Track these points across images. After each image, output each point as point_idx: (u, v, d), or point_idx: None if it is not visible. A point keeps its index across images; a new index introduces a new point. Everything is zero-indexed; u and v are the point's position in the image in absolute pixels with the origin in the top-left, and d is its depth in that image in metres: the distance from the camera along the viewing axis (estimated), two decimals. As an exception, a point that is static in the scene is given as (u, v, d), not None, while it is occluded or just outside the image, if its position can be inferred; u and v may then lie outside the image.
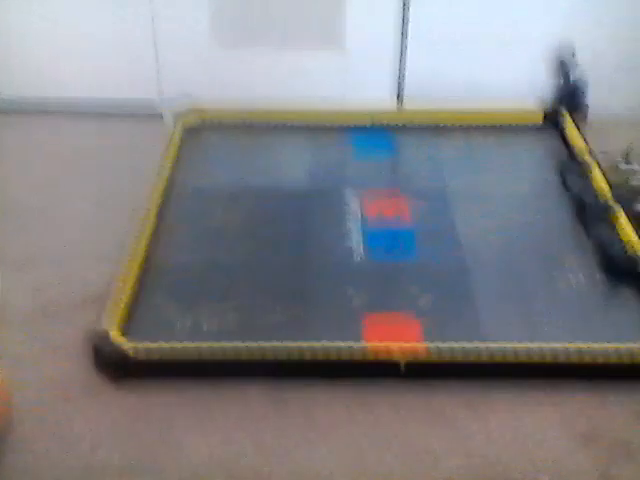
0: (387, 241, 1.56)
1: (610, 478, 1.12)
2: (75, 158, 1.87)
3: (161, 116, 1.98)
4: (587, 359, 1.25)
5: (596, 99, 1.91)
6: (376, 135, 1.90)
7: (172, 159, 1.76)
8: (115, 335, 1.27)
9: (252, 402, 1.23)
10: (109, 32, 1.94)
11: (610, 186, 1.63)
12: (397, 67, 1.97)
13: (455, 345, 1.26)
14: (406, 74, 1.98)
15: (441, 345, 1.26)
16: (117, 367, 1.26)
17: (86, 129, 1.97)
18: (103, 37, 1.95)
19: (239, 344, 1.26)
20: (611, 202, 1.59)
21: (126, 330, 1.31)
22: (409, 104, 1.98)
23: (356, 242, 1.54)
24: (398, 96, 2.00)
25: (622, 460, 1.15)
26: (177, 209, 1.63)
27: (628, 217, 1.54)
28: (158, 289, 1.42)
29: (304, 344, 1.26)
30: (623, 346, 1.26)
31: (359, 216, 1.61)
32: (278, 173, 1.77)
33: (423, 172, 1.78)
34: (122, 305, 1.33)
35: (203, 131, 1.90)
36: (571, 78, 1.87)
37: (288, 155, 1.83)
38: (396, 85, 1.99)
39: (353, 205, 1.65)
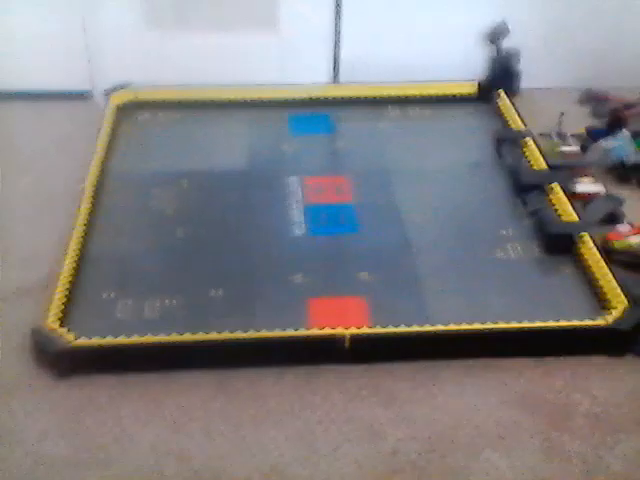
0: (328, 218, 1.55)
1: (552, 440, 1.15)
2: (7, 143, 1.82)
3: (92, 97, 1.94)
4: (526, 331, 1.27)
5: (528, 71, 1.95)
6: (313, 113, 1.89)
7: (105, 143, 1.73)
8: (55, 327, 1.25)
9: (201, 390, 1.22)
10: (39, 21, 1.89)
11: (545, 159, 1.66)
12: (332, 50, 1.96)
13: (399, 322, 1.27)
14: (341, 57, 1.97)
15: (385, 322, 1.27)
16: (58, 359, 1.23)
17: (19, 113, 1.92)
18: (33, 27, 1.89)
19: (182, 331, 1.24)
20: (546, 176, 1.62)
21: (66, 321, 1.28)
22: (344, 85, 1.98)
23: (297, 221, 1.54)
24: (334, 78, 2.00)
25: (562, 423, 1.18)
26: (113, 195, 1.60)
27: (564, 192, 1.56)
28: (96, 278, 1.39)
29: (249, 328, 1.25)
30: (559, 316, 1.29)
31: (299, 195, 1.60)
32: (215, 154, 1.74)
33: (361, 148, 1.78)
34: (60, 296, 1.31)
35: (136, 112, 1.87)
36: (503, 51, 1.90)
37: (225, 135, 1.81)
38: (332, 68, 1.98)
39: (292, 184, 1.64)
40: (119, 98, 1.87)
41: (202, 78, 1.89)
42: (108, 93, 1.87)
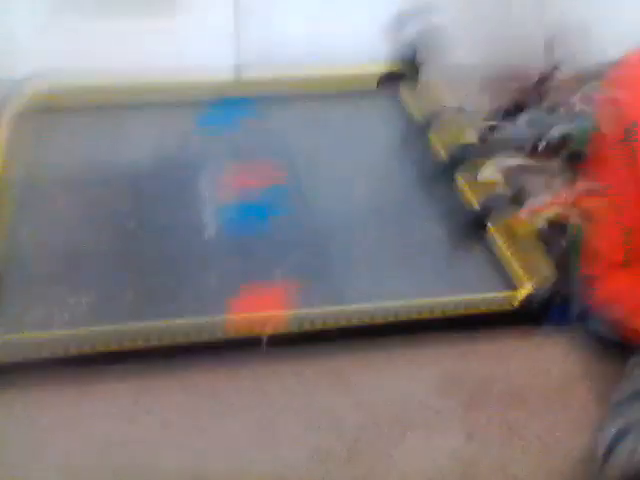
0: (239, 214, 1.55)
1: (470, 419, 1.19)
2: None
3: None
4: (438, 312, 1.32)
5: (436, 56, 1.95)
6: (219, 108, 1.87)
7: (4, 143, 1.66)
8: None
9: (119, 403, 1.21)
10: None
11: (450, 145, 1.69)
12: (233, 36, 1.94)
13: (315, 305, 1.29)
14: (242, 43, 1.96)
15: (303, 313, 1.28)
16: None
17: None
18: None
19: (92, 341, 1.23)
20: (450, 162, 1.65)
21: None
22: (248, 74, 1.95)
23: (208, 218, 1.53)
24: (236, 66, 1.98)
25: (481, 400, 1.22)
26: (17, 198, 1.55)
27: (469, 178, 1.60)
28: (9, 282, 1.36)
29: (165, 332, 1.25)
30: (471, 296, 1.34)
31: (208, 192, 1.59)
32: (121, 154, 1.70)
33: (267, 144, 1.77)
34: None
35: (39, 110, 1.78)
36: (407, 37, 1.90)
37: (129, 133, 1.77)
38: (233, 55, 1.96)
39: (201, 181, 1.63)
40: (21, 94, 1.78)
41: (103, 65, 1.81)
42: (9, 89, 1.79)
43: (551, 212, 1.54)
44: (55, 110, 1.80)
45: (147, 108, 1.84)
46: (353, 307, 1.30)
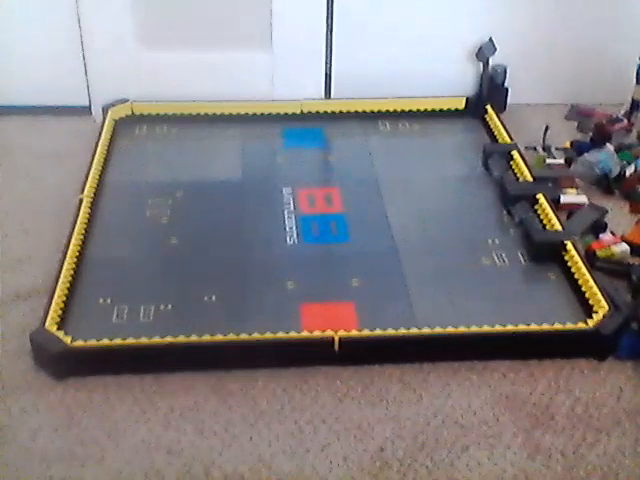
0: (320, 228, 1.60)
1: (534, 439, 1.19)
2: (3, 154, 1.86)
3: (90, 110, 1.99)
4: (510, 334, 1.31)
5: (515, 87, 2.00)
6: (306, 127, 1.94)
7: (102, 153, 1.77)
8: (53, 330, 1.28)
9: (194, 391, 1.25)
10: (35, 41, 1.93)
11: (531, 171, 1.71)
12: (324, 65, 2.00)
13: (387, 325, 1.31)
14: (333, 73, 2.02)
15: (374, 326, 1.31)
16: (56, 361, 1.26)
17: (17, 127, 1.96)
18: (31, 42, 1.94)
19: (175, 334, 1.28)
20: (531, 187, 1.66)
21: (63, 324, 1.32)
22: (334, 102, 2.02)
23: (290, 230, 1.58)
24: (326, 94, 2.05)
25: (545, 423, 1.22)
26: (109, 203, 1.65)
27: (549, 203, 1.60)
28: (93, 283, 1.43)
29: (241, 332, 1.29)
30: (543, 319, 1.33)
31: (293, 207, 1.65)
32: (209, 166, 1.79)
33: (353, 163, 1.82)
34: (58, 300, 1.34)
35: (133, 125, 1.92)
36: (490, 66, 1.95)
37: (219, 148, 1.85)
38: (323, 83, 2.03)
39: (285, 194, 1.68)
40: (116, 113, 1.92)
41: (197, 94, 1.94)
42: (106, 108, 1.91)
43: (631, 240, 1.54)
44: (148, 131, 1.91)
45: (236, 128, 1.92)
46: (422, 325, 1.32)
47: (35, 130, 1.95)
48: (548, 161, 1.79)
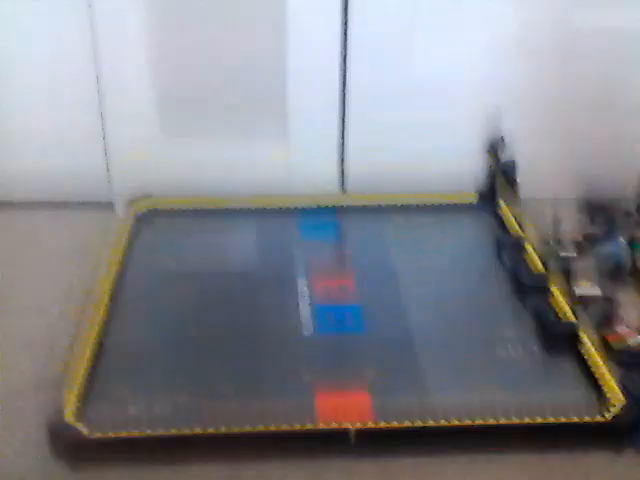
0: (335, 318, 1.61)
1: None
2: (26, 249, 1.90)
3: (112, 204, 2.04)
4: (527, 426, 1.31)
5: (527, 181, 2.04)
6: (321, 218, 1.98)
7: (123, 244, 1.82)
8: (70, 419, 1.29)
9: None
10: (56, 130, 2.00)
11: (544, 262, 1.73)
12: (339, 160, 2.06)
13: (403, 417, 1.31)
14: (348, 166, 2.08)
15: (390, 417, 1.31)
16: (73, 451, 1.27)
17: (38, 219, 2.01)
18: (50, 134, 2.00)
19: (191, 426, 1.28)
20: (545, 277, 1.68)
21: (81, 414, 1.32)
22: (350, 194, 2.08)
23: (305, 321, 1.59)
24: (341, 186, 2.10)
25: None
26: (128, 293, 1.67)
27: (562, 295, 1.62)
28: (111, 372, 1.45)
29: (257, 422, 1.29)
30: (559, 406, 1.33)
31: (308, 297, 1.67)
32: (227, 257, 1.82)
33: (367, 252, 1.86)
34: (76, 390, 1.35)
35: (153, 218, 1.96)
36: (501, 160, 1.99)
37: (236, 240, 1.89)
38: (338, 175, 2.08)
39: (301, 286, 1.71)
40: (138, 207, 1.97)
41: (216, 185, 1.99)
42: (127, 202, 1.96)
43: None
44: (168, 224, 1.95)
45: (253, 220, 1.96)
46: (438, 417, 1.32)
47: (57, 224, 1.99)
48: (561, 254, 1.81)
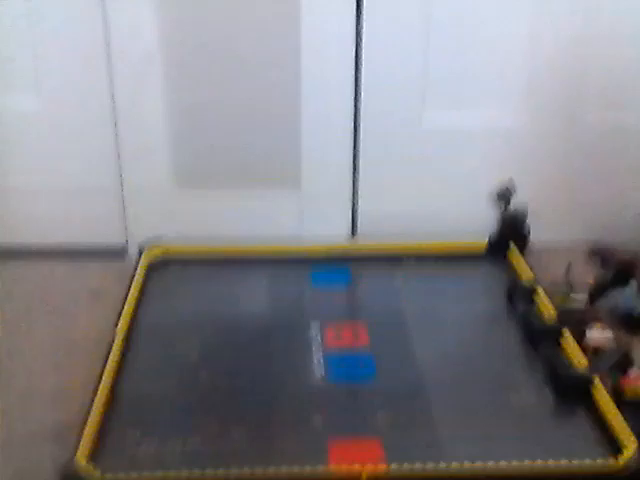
0: (347, 366, 1.62)
1: None
2: (41, 298, 1.92)
3: (127, 254, 2.07)
4: (540, 471, 1.30)
5: (536, 226, 2.05)
6: (333, 267, 1.99)
7: (136, 293, 1.83)
8: (82, 462, 1.29)
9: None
10: (73, 178, 2.04)
11: (556, 308, 1.73)
12: (350, 205, 2.09)
13: (414, 461, 1.30)
14: (359, 212, 2.10)
15: (401, 464, 1.30)
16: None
17: (54, 270, 2.03)
18: (67, 184, 2.04)
19: (203, 468, 1.29)
20: (557, 324, 1.68)
21: (93, 458, 1.32)
22: (360, 241, 2.10)
23: (317, 368, 1.60)
24: (353, 234, 2.12)
25: None
26: (141, 340, 1.69)
27: (575, 340, 1.62)
28: (123, 418, 1.45)
29: (269, 466, 1.29)
30: (574, 458, 1.32)
31: (320, 344, 1.67)
32: (239, 305, 1.84)
33: (379, 301, 1.87)
34: (89, 433, 1.36)
35: (166, 266, 1.98)
36: (511, 208, 2.01)
37: (248, 288, 1.90)
38: (350, 222, 2.10)
39: (313, 334, 1.71)
40: (151, 254, 1.99)
41: (228, 233, 2.02)
42: (141, 249, 1.99)
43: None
44: (181, 272, 1.96)
45: (265, 268, 1.97)
46: (450, 461, 1.31)
47: (71, 271, 2.02)
48: (572, 298, 1.81)
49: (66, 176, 2.03)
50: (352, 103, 1.98)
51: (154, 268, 1.97)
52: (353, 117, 1.99)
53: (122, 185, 2.02)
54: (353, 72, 1.95)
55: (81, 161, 2.02)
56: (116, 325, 1.67)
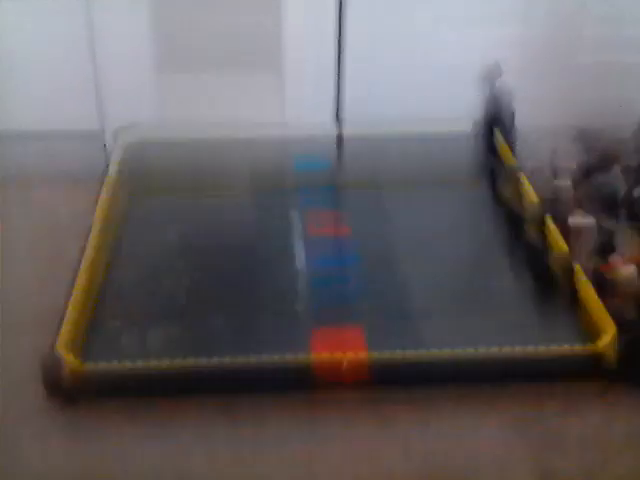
0: (329, 250, 1.61)
1: (545, 462, 1.19)
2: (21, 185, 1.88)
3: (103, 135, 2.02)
4: (516, 359, 1.32)
5: (522, 110, 2.01)
6: (316, 152, 1.96)
7: (115, 176, 1.79)
8: (64, 355, 1.29)
9: (205, 416, 1.26)
10: (46, 63, 1.96)
11: (536, 192, 1.72)
12: (334, 91, 2.02)
13: (395, 348, 1.31)
14: (345, 100, 2.04)
15: (382, 349, 1.31)
16: (65, 384, 1.27)
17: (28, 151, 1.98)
18: (40, 68, 1.96)
19: (184, 357, 1.29)
20: (538, 206, 1.67)
21: (74, 347, 1.32)
22: (345, 127, 2.03)
23: (298, 252, 1.59)
24: (337, 119, 2.06)
25: (555, 446, 1.22)
26: (121, 227, 1.66)
27: (559, 228, 1.61)
28: (105, 310, 1.45)
29: (250, 354, 1.30)
30: (553, 343, 1.33)
31: (302, 231, 1.66)
32: (220, 186, 1.81)
33: (362, 190, 1.83)
34: (68, 323, 1.35)
35: (145, 147, 1.93)
36: (496, 91, 1.96)
37: (230, 169, 1.87)
38: (334, 110, 2.04)
39: (295, 218, 1.70)
40: (128, 136, 1.94)
41: (208, 118, 1.95)
42: (117, 132, 1.93)
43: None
44: (153, 155, 1.93)
45: (245, 148, 1.93)
46: (430, 348, 1.33)
47: (46, 155, 1.96)
48: (555, 183, 1.79)
49: (41, 62, 1.94)
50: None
51: (133, 150, 1.91)
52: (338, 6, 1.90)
53: (96, 70, 1.94)
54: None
55: (55, 51, 1.93)
56: (94, 213, 1.64)
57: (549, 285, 1.51)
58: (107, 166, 1.82)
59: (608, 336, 1.33)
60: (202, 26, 1.93)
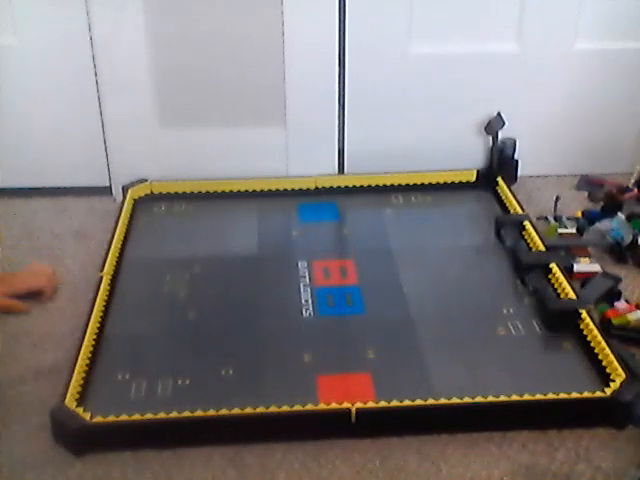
0: (335, 300, 1.62)
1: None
2: (25, 234, 1.90)
3: (111, 192, 2.04)
4: (528, 403, 1.31)
5: (525, 159, 2.04)
6: (320, 201, 1.98)
7: (122, 232, 1.82)
8: (72, 406, 1.29)
9: (212, 464, 1.26)
10: (57, 124, 1.99)
11: (542, 239, 1.73)
12: (337, 141, 2.05)
13: (403, 396, 1.31)
14: (346, 148, 2.07)
15: (390, 397, 1.31)
16: (75, 437, 1.27)
17: (38, 208, 2.01)
18: (50, 125, 2.00)
19: (193, 408, 1.29)
20: (545, 257, 1.68)
21: (83, 400, 1.33)
22: (349, 176, 2.07)
23: (305, 302, 1.60)
24: (339, 169, 2.09)
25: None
26: (128, 280, 1.68)
27: (562, 272, 1.62)
28: (112, 358, 1.45)
29: (258, 405, 1.30)
30: (562, 389, 1.32)
31: (307, 278, 1.67)
32: (226, 241, 1.83)
33: (366, 233, 1.86)
34: (78, 377, 1.36)
35: (152, 204, 1.97)
36: (500, 141, 1.99)
37: (236, 224, 1.90)
38: (337, 158, 2.07)
39: (301, 268, 1.71)
40: (136, 192, 1.97)
41: (214, 172, 2.00)
42: (125, 188, 1.96)
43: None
44: (166, 209, 1.96)
45: (252, 204, 1.96)
46: (439, 395, 1.32)
47: (56, 210, 1.99)
48: (560, 230, 1.81)
49: (49, 121, 1.99)
50: (337, 37, 1.92)
51: (139, 206, 1.95)
52: (338, 51, 1.94)
53: (104, 127, 1.97)
54: (337, 5, 1.89)
55: (64, 107, 1.96)
56: (103, 265, 1.66)
57: (557, 332, 1.51)
58: (115, 221, 1.83)
59: (617, 382, 1.33)
60: (204, 79, 1.95)
